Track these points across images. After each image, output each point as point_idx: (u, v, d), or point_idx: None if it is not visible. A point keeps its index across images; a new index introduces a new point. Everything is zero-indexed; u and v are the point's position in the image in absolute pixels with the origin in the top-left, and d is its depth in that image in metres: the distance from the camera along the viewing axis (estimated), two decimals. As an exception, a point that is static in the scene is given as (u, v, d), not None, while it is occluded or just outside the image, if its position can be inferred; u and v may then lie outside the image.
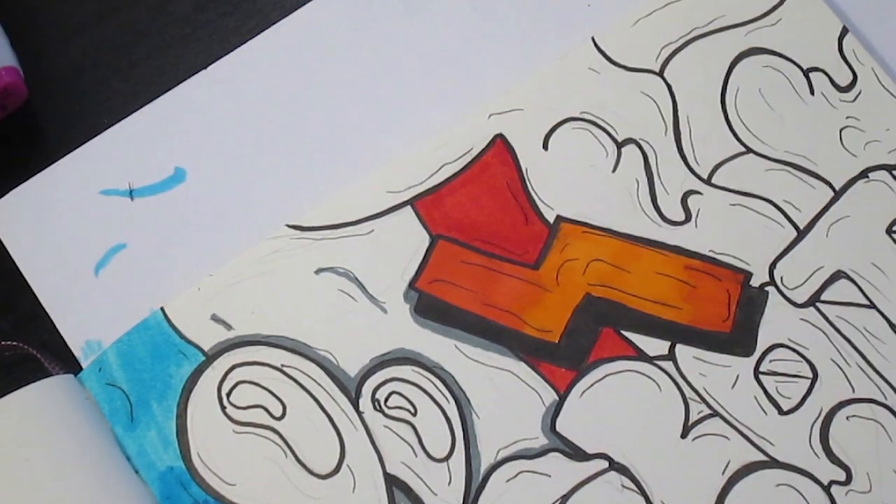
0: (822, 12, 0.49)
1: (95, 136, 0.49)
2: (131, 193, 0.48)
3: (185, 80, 0.50)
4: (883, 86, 0.49)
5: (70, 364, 0.46)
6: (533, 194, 0.47)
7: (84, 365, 0.46)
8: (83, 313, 0.47)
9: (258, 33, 0.51)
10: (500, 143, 0.48)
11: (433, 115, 0.49)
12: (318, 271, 0.47)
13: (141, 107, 0.50)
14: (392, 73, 0.49)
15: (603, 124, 0.48)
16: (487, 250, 0.47)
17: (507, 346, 0.45)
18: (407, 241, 0.47)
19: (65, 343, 0.47)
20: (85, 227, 0.48)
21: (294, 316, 0.46)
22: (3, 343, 0.47)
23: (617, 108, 0.48)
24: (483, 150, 0.48)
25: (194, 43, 0.52)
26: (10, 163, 0.50)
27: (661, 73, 0.48)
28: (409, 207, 0.47)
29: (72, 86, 0.51)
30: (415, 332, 0.46)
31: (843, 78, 0.49)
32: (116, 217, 0.48)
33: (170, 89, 0.50)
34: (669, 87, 0.48)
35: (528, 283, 0.46)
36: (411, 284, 0.46)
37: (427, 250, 0.47)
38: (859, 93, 0.48)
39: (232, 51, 0.51)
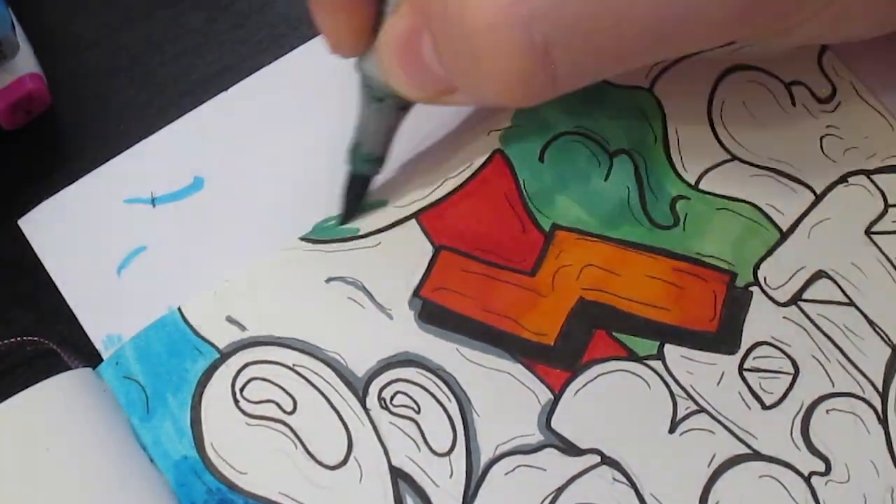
0: None
1: (112, 139, 0.51)
2: (153, 201, 0.51)
3: (197, 87, 0.53)
4: (861, 97, 0.51)
5: (89, 358, 0.48)
6: (529, 204, 0.49)
7: (104, 356, 0.48)
8: (105, 309, 0.49)
9: (267, 44, 0.54)
10: (498, 158, 0.50)
11: (436, 132, 0.51)
12: (328, 280, 0.48)
13: (155, 112, 0.52)
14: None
15: (595, 137, 0.50)
16: (487, 259, 0.48)
17: (506, 349, 0.47)
18: (412, 252, 0.49)
19: (84, 338, 0.48)
20: (109, 232, 0.50)
21: (306, 320, 0.48)
22: (25, 338, 0.48)
23: (609, 121, 0.50)
24: (482, 164, 0.50)
25: (206, 53, 0.54)
26: (36, 163, 0.52)
27: (650, 89, 0.51)
28: (413, 220, 0.49)
29: (91, 92, 0.53)
30: (419, 336, 0.47)
31: (823, 90, 0.51)
32: (138, 222, 0.50)
33: (183, 96, 0.53)
34: (658, 101, 0.50)
35: (525, 289, 0.48)
36: (416, 292, 0.48)
37: (430, 260, 0.48)
38: (838, 104, 0.51)
39: (242, 60, 0.53)
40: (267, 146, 0.52)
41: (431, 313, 0.48)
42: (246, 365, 0.47)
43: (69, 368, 0.47)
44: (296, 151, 0.52)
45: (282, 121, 0.52)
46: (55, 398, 0.46)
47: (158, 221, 0.50)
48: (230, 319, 0.48)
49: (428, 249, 0.49)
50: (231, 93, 0.53)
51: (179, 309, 0.48)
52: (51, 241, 0.50)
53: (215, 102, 0.52)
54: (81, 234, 0.50)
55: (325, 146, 0.51)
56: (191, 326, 0.48)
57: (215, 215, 0.51)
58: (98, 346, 0.48)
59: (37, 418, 0.45)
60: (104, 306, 0.49)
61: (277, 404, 0.47)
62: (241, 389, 0.47)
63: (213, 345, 0.47)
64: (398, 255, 0.49)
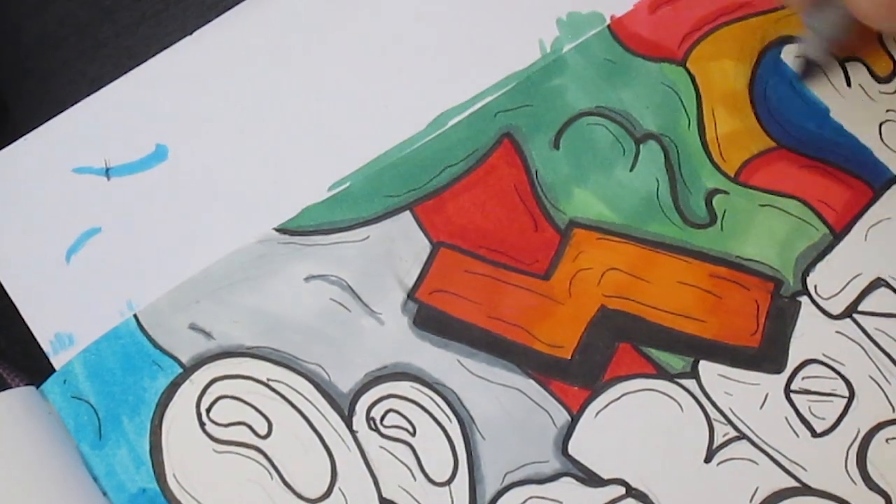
0: None
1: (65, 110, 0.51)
2: (107, 172, 0.51)
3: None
4: (927, 78, 0.51)
5: (32, 375, 0.48)
6: (543, 198, 0.49)
7: (53, 359, 0.48)
8: (53, 303, 0.49)
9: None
10: (507, 143, 0.50)
11: (435, 111, 0.51)
12: (307, 279, 0.49)
13: (109, 91, 0.52)
14: (390, 59, 0.51)
15: (619, 119, 0.50)
16: (493, 259, 0.49)
17: (515, 362, 0.47)
18: (406, 248, 0.49)
19: (26, 351, 0.48)
20: (56, 209, 0.50)
21: (281, 326, 0.48)
22: (-43, 353, 0.49)
23: (635, 101, 0.50)
24: (489, 150, 0.50)
25: (168, 21, 0.54)
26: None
27: (683, 63, 0.51)
28: (408, 212, 0.49)
29: (34, 67, 0.53)
30: (414, 345, 0.48)
31: (884, 68, 0.51)
32: (91, 198, 0.50)
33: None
34: (693, 77, 0.50)
35: (538, 294, 0.48)
36: (410, 295, 0.48)
37: (427, 258, 0.49)
38: (901, 84, 0.51)
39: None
40: (239, 108, 0.52)
41: (428, 319, 0.48)
42: (213, 381, 0.47)
43: (9, 387, 0.47)
44: (272, 116, 0.51)
45: (257, 74, 0.52)
46: (-8, 421, 0.46)
47: (114, 198, 0.50)
48: (194, 327, 0.48)
49: (424, 246, 0.49)
50: (196, 36, 0.52)
51: (135, 316, 0.48)
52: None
53: (178, 48, 0.52)
54: (23, 208, 0.50)
55: (302, 112, 0.51)
56: (148, 336, 0.48)
57: (180, 192, 0.50)
58: (45, 347, 0.48)
59: (-29, 444, 0.46)
60: (52, 298, 0.49)
61: (250, 427, 0.47)
62: (208, 410, 0.47)
63: (174, 358, 0.48)
64: (390, 252, 0.49)
